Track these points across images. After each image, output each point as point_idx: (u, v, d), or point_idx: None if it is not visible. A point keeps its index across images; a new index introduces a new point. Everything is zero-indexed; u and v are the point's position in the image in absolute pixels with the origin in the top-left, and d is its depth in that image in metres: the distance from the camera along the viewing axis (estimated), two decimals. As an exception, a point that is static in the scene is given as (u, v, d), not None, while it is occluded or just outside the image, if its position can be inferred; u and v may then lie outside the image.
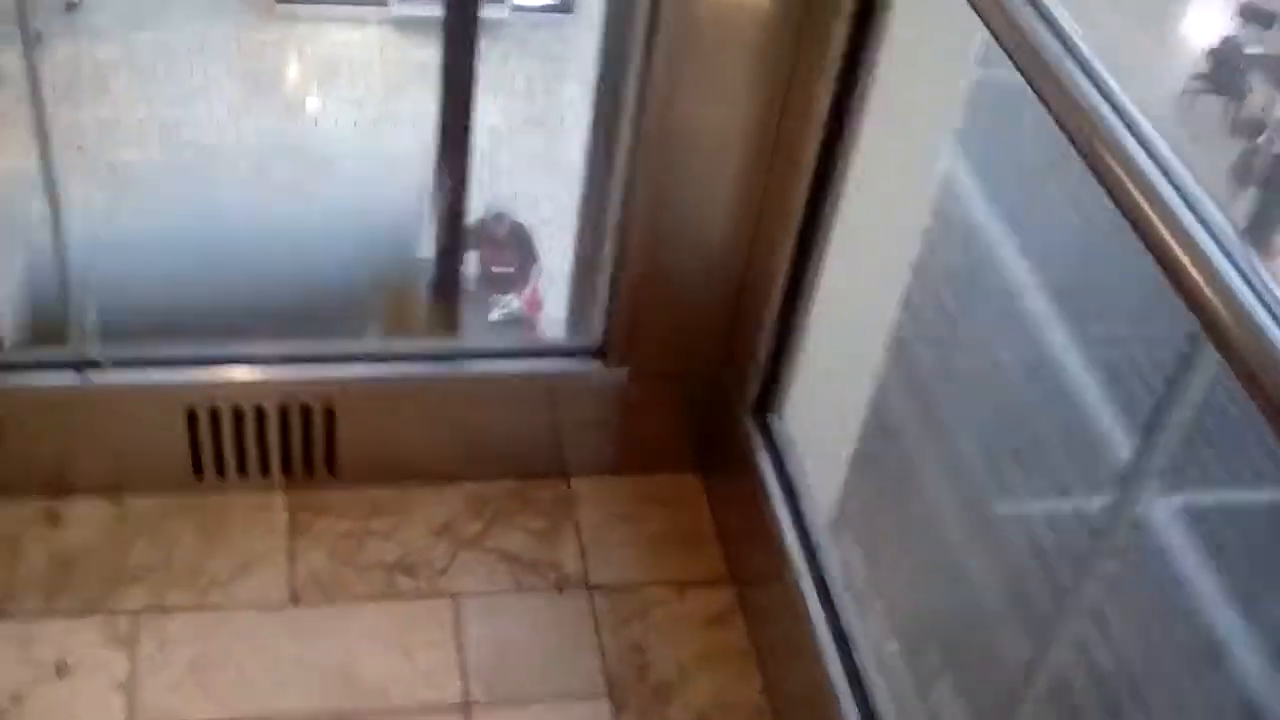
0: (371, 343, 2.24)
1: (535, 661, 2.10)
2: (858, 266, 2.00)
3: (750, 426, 2.19)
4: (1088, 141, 1.21)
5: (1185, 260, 1.10)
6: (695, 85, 1.92)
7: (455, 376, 2.24)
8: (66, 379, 2.13)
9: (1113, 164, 1.19)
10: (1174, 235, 1.12)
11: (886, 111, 1.85)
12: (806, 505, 2.07)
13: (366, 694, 2.04)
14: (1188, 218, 1.11)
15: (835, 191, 1.93)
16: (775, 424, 2.18)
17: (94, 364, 2.13)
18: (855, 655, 1.89)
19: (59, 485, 2.23)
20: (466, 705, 2.04)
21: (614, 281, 2.16)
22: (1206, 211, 1.12)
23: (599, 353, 2.26)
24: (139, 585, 2.14)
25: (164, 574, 2.16)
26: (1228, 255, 1.09)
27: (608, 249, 2.15)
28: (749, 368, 2.16)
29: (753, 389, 2.18)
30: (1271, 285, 1.05)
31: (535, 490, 2.34)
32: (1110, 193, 1.19)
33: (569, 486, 2.36)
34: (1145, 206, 1.14)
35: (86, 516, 2.22)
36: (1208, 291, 1.08)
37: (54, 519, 2.21)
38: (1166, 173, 1.14)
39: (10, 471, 2.20)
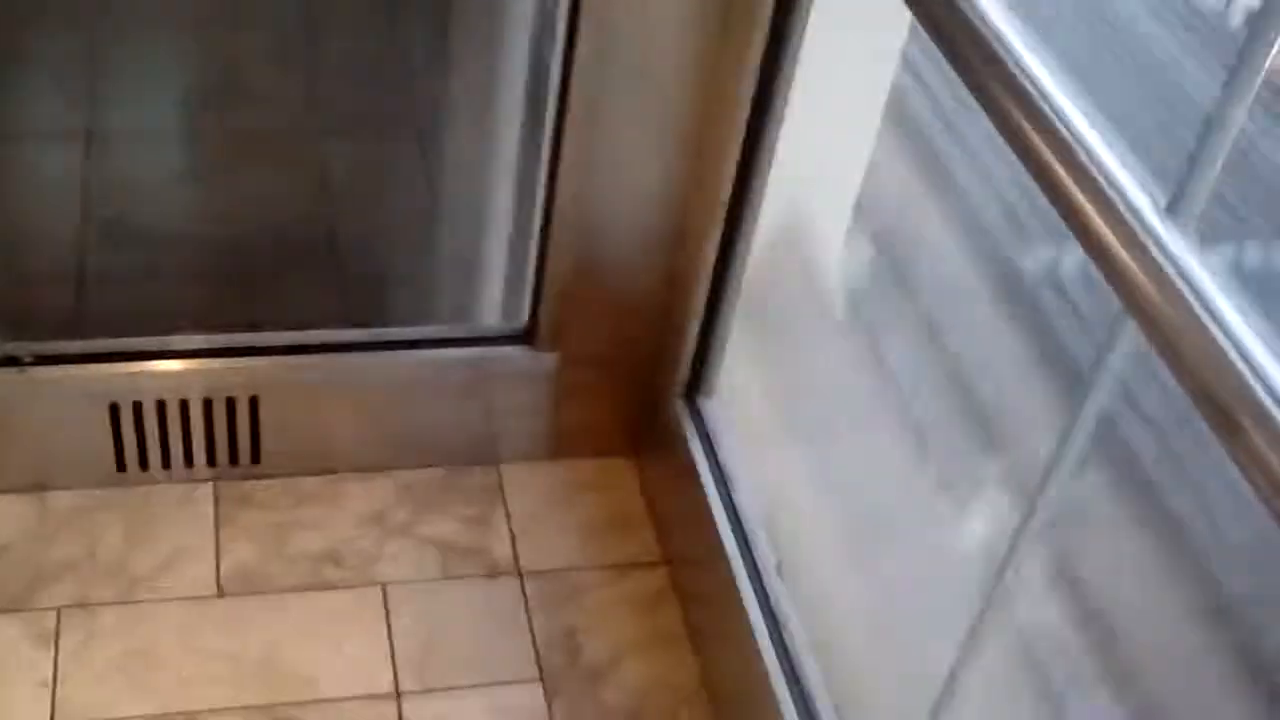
0: (295, 333, 2.21)
1: (467, 649, 2.09)
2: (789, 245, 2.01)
3: (681, 410, 2.19)
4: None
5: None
6: (620, 71, 1.91)
7: (382, 365, 2.22)
8: (-16, 374, 2.10)
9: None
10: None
11: (813, 93, 1.85)
12: (738, 488, 2.07)
13: (296, 685, 2.01)
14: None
15: (762, 174, 1.93)
16: (706, 407, 2.17)
17: (14, 360, 2.10)
18: (787, 637, 1.89)
19: (-23, 483, 2.20)
20: (397, 694, 2.02)
21: (541, 266, 2.15)
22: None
23: (527, 338, 2.24)
24: (62, 582, 2.10)
25: (88, 570, 2.13)
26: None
27: (534, 233, 2.14)
28: (679, 350, 2.16)
29: (683, 372, 2.17)
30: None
31: (465, 478, 2.33)
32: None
33: (499, 473, 2.34)
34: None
35: (6, 514, 2.18)
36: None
37: (-26, 517, 2.18)
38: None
39: (-73, 469, 2.17)
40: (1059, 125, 1.16)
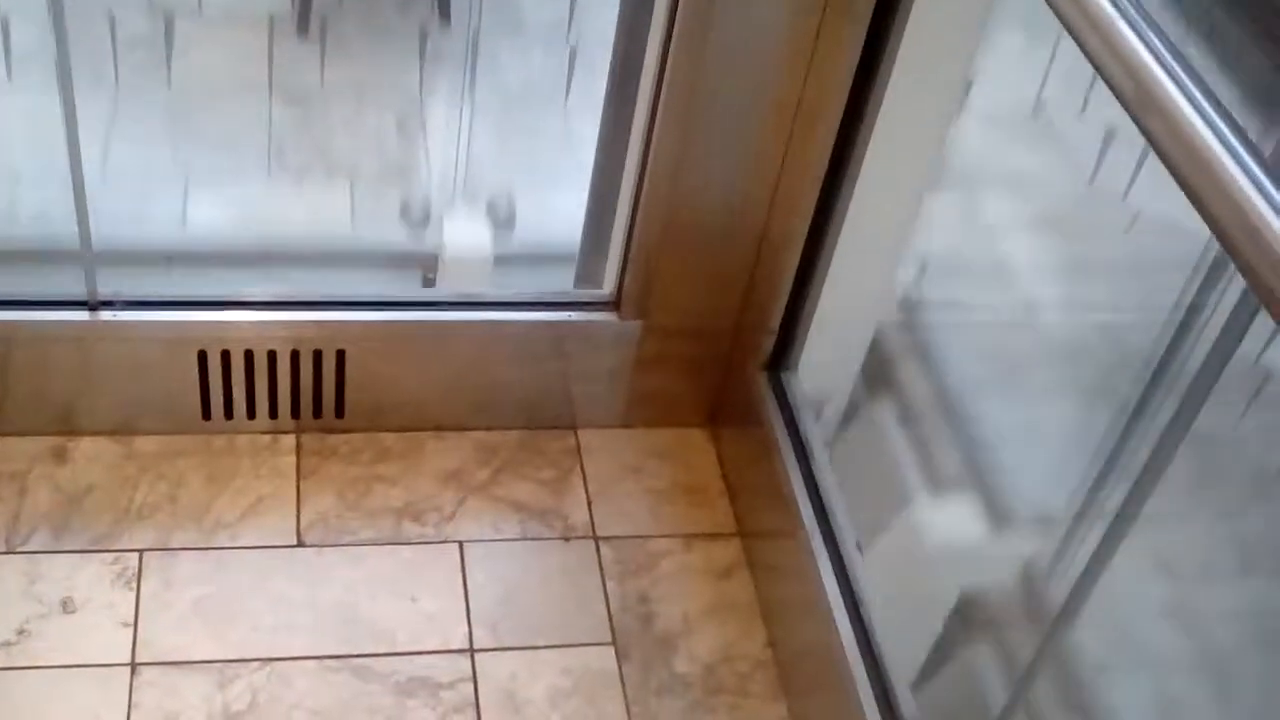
0: (385, 289, 2.23)
1: (540, 609, 2.10)
2: (879, 224, 2.00)
3: (763, 383, 2.19)
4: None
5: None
6: (719, 40, 1.90)
7: (467, 325, 2.23)
8: (78, 317, 2.12)
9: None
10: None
11: (915, 71, 1.84)
12: (817, 462, 2.07)
13: (372, 637, 2.04)
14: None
15: (859, 150, 1.93)
16: (789, 381, 2.17)
17: (107, 303, 2.13)
18: (864, 613, 1.89)
19: (67, 424, 2.23)
20: (471, 650, 2.04)
21: (630, 233, 2.16)
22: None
23: (613, 305, 2.25)
24: (145, 525, 2.14)
25: (170, 514, 2.16)
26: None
27: (625, 200, 2.14)
28: (764, 323, 2.16)
29: (767, 346, 2.17)
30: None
31: (544, 441, 2.34)
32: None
33: (577, 438, 2.36)
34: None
35: (94, 455, 2.22)
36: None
37: (61, 457, 2.21)
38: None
39: (18, 409, 2.20)
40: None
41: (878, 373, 2.14)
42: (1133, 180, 1.71)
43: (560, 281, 2.30)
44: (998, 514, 1.88)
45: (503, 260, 2.37)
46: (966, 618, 1.87)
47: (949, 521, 1.97)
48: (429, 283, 2.32)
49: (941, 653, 1.89)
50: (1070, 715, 1.69)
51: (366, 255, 2.41)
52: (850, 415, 2.19)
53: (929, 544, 2.00)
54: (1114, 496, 1.60)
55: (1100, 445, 1.65)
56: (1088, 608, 1.64)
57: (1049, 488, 1.82)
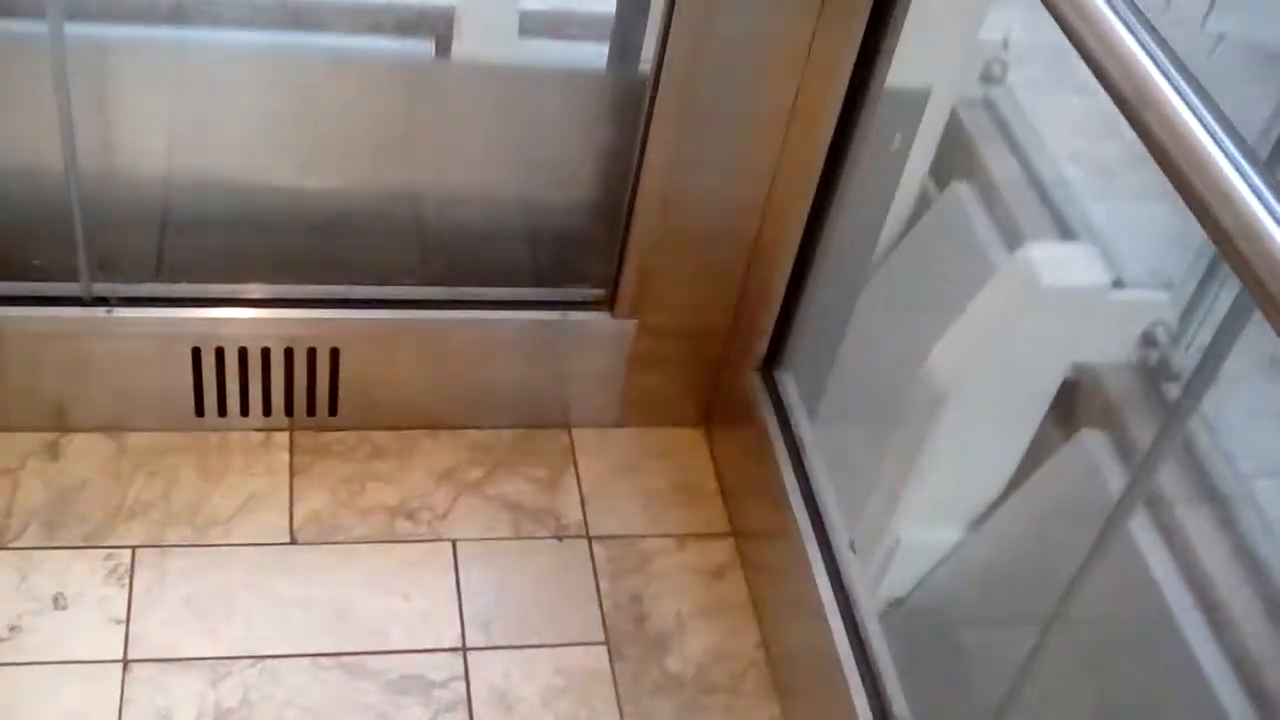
0: (378, 289, 2.23)
1: (533, 608, 2.11)
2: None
3: (756, 383, 2.19)
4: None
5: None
6: (716, 45, 1.91)
7: (462, 324, 2.23)
8: (73, 314, 2.12)
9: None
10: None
11: (913, 69, 1.85)
12: (811, 462, 2.07)
13: (364, 635, 2.04)
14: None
15: (854, 152, 1.93)
16: (782, 381, 2.18)
17: (102, 300, 2.13)
18: (856, 613, 1.90)
19: (60, 420, 2.23)
20: (464, 649, 2.04)
21: (625, 234, 2.16)
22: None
23: (607, 304, 2.25)
24: (138, 521, 2.14)
25: (163, 511, 2.16)
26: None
27: (620, 200, 2.15)
28: (758, 324, 2.16)
29: (761, 345, 2.18)
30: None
31: (536, 440, 2.35)
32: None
33: (570, 437, 2.36)
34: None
35: (87, 451, 2.22)
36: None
37: (54, 453, 2.21)
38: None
39: (12, 404, 2.19)
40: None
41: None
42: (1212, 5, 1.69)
43: (592, 55, 2.20)
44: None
45: (530, 21, 2.23)
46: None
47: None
48: (443, 49, 2.13)
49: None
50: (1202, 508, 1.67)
51: (375, 14, 2.23)
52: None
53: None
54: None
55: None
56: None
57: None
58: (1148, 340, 1.76)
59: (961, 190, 2.14)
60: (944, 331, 1.81)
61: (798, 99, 1.95)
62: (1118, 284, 1.75)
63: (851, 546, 1.94)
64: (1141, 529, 1.63)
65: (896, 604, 1.99)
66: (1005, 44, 2.16)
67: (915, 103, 1.95)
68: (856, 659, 1.85)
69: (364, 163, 2.22)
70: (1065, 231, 1.98)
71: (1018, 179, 2.08)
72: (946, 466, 1.84)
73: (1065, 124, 2.11)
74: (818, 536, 1.98)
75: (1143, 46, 1.13)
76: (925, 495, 1.88)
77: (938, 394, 1.78)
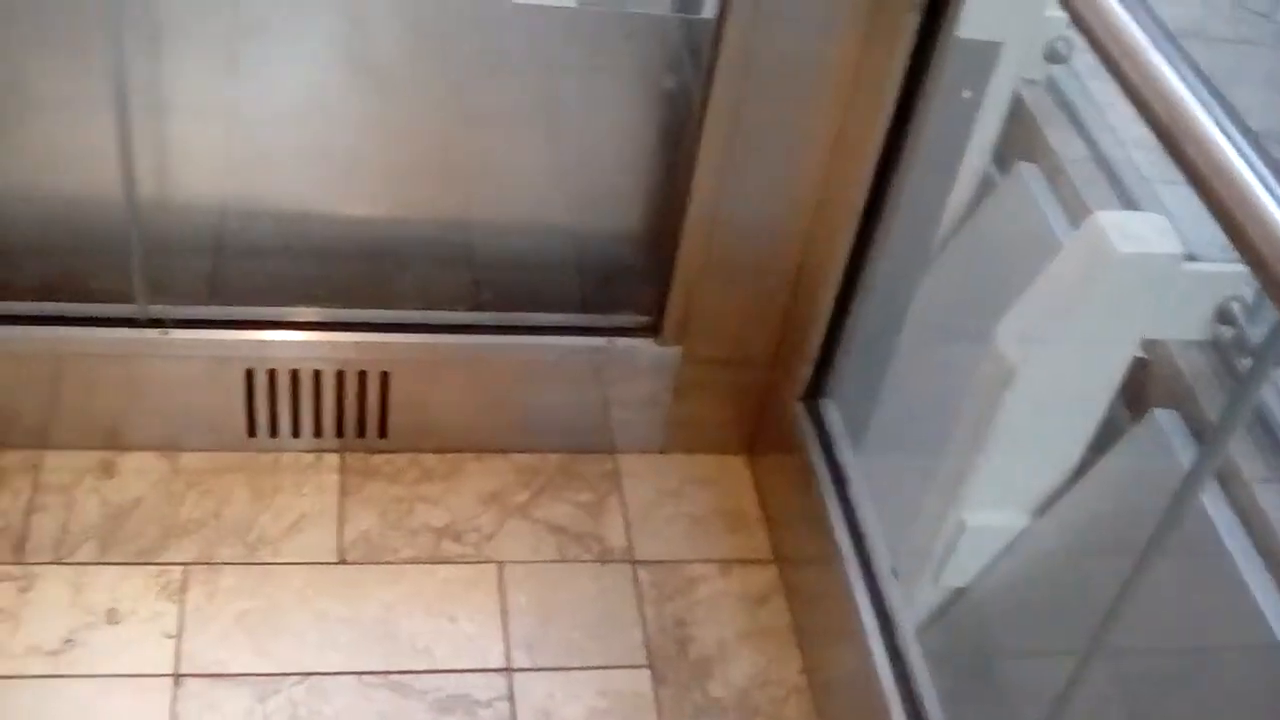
0: (429, 313, 2.27)
1: (578, 631, 2.13)
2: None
3: (800, 411, 2.21)
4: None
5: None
6: (763, 74, 1.94)
7: (510, 349, 2.26)
8: (129, 336, 2.17)
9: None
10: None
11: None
12: (854, 490, 2.08)
13: (411, 654, 2.06)
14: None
15: (899, 180, 1.95)
16: (826, 410, 2.19)
17: (158, 322, 2.17)
18: (898, 639, 1.91)
19: (115, 439, 2.27)
20: (509, 669, 2.06)
21: (671, 261, 2.18)
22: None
23: (653, 331, 2.28)
24: (190, 539, 2.17)
25: (215, 529, 2.19)
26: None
27: (667, 228, 2.17)
28: (802, 353, 2.18)
29: (805, 374, 2.19)
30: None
31: (581, 464, 2.37)
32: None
33: (615, 462, 2.38)
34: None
35: (140, 470, 2.26)
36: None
37: (109, 471, 2.25)
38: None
39: (68, 424, 2.24)
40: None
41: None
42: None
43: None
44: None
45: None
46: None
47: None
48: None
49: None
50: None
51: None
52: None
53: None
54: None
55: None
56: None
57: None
58: (1223, 316, 1.69)
59: (1027, 171, 2.13)
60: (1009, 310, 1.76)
61: (844, 125, 1.97)
62: (1191, 258, 1.68)
63: (894, 573, 1.96)
64: (1216, 505, 1.59)
65: (958, 594, 1.96)
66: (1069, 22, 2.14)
67: (985, 60, 1.91)
68: (899, 686, 1.86)
69: (415, 190, 2.26)
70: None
71: (1085, 159, 2.05)
72: (1014, 445, 1.79)
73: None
74: (860, 564, 1.99)
75: (1183, 80, 1.14)
76: (992, 477, 1.83)
77: (1006, 367, 1.73)
